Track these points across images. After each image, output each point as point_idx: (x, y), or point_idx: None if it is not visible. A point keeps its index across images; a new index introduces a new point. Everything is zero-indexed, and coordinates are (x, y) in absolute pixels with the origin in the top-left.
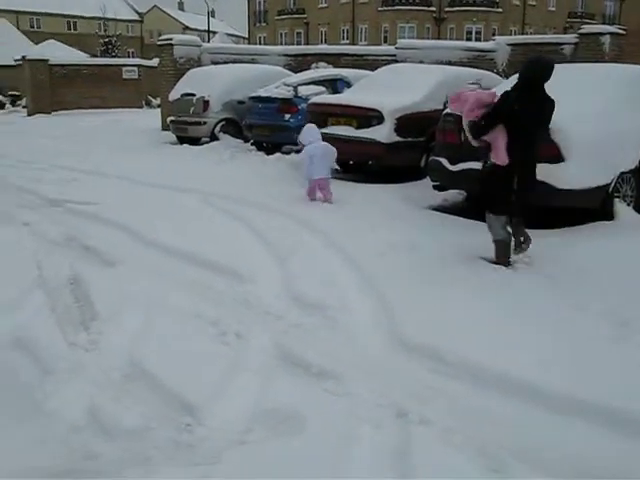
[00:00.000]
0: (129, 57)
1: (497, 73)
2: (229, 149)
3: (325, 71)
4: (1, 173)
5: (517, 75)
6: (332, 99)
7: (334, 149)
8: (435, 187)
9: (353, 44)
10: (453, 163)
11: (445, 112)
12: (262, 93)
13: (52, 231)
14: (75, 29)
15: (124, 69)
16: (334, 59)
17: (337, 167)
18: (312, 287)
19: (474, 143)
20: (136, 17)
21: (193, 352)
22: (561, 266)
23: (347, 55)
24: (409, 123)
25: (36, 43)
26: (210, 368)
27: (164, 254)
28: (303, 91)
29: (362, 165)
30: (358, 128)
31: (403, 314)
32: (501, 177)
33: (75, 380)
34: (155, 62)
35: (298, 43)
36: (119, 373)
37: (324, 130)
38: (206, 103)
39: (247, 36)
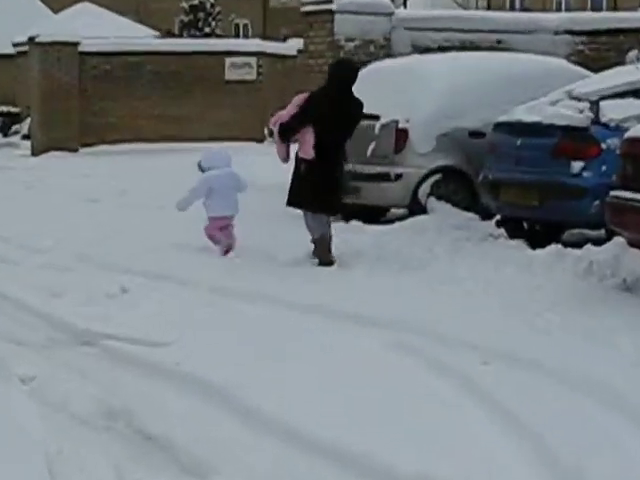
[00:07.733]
0: (238, 37)
1: None
2: (447, 233)
3: None
4: None
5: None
6: None
7: (244, 179)
8: None
9: None
10: None
11: None
12: (523, 116)
13: (76, 396)
14: None
15: (228, 61)
16: None
17: None
18: None
19: (280, 146)
20: None
21: None
22: None
23: None
24: None
25: None
26: None
27: (309, 457)
28: (610, 112)
29: None
30: None
31: None
32: (311, 171)
33: None
34: (292, 46)
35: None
36: None
37: None
38: (402, 134)
39: None
